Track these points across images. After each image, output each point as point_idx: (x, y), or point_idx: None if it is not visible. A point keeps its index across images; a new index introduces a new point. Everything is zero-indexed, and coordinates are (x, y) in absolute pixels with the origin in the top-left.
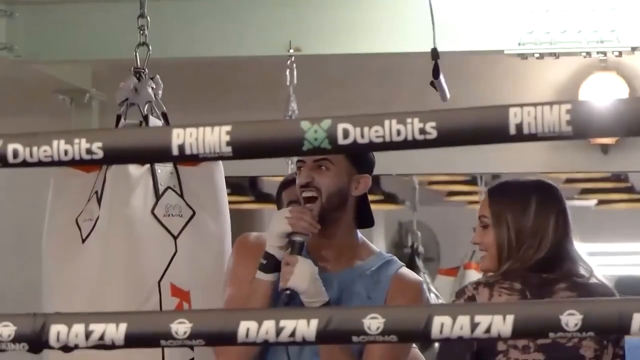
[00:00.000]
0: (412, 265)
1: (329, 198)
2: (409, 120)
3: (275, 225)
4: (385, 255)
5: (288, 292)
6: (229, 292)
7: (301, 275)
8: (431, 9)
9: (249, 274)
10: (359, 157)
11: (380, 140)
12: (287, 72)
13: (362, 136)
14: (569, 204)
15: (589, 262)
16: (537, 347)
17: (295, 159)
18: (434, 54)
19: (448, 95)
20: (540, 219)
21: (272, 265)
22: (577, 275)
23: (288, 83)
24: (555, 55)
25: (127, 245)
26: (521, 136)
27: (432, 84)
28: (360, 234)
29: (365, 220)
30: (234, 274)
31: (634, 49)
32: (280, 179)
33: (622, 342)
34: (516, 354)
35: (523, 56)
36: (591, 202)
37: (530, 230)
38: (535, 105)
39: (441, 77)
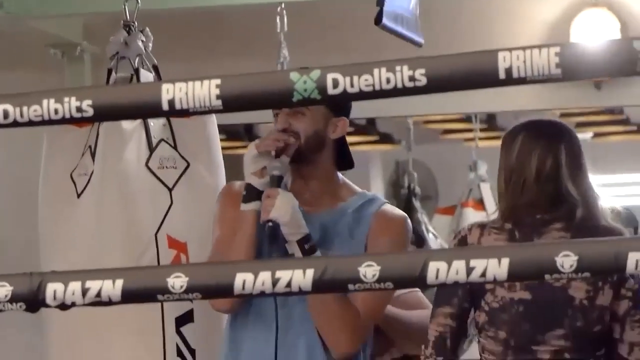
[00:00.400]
0: (409, 206)
1: (306, 141)
2: (397, 68)
3: (247, 152)
4: (368, 195)
5: (270, 224)
6: (216, 234)
7: (282, 207)
8: None
9: (234, 216)
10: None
11: (370, 89)
12: (278, 19)
13: (352, 85)
14: None
15: (601, 204)
16: (523, 286)
17: None
18: (379, 0)
19: (421, 40)
20: (521, 159)
21: (253, 194)
22: (576, 216)
23: (279, 30)
24: None
25: (122, 199)
26: (510, 80)
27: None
28: (341, 175)
29: (345, 162)
30: (220, 218)
31: None
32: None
33: (629, 284)
34: (502, 291)
35: None
36: (587, 135)
37: (515, 167)
38: (524, 48)
39: (404, 23)
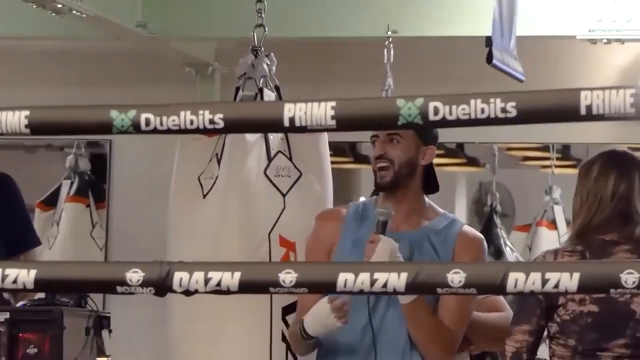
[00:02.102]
0: (490, 222)
1: (400, 167)
2: (492, 100)
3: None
4: (449, 215)
5: None
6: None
7: (382, 252)
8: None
9: (317, 252)
10: (425, 131)
11: (466, 117)
12: (385, 52)
13: (451, 113)
14: None
15: None
16: (592, 300)
17: None
18: (488, 42)
19: (522, 77)
20: (599, 182)
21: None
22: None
23: (385, 61)
24: (621, 41)
25: (242, 201)
26: (590, 116)
27: (494, 66)
28: (426, 197)
29: (431, 186)
30: (308, 250)
31: None
32: None
33: None
34: (574, 305)
35: (592, 41)
36: None
37: (591, 190)
38: (603, 89)
39: (507, 62)
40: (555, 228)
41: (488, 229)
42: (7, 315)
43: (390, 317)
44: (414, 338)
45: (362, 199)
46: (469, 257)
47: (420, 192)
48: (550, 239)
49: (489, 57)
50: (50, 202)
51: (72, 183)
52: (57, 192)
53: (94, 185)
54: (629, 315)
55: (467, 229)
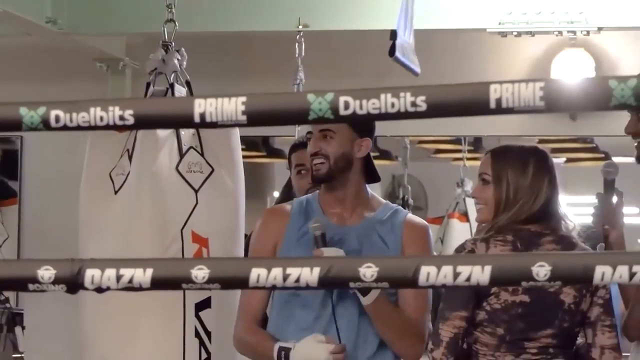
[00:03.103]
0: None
1: (335, 162)
2: (402, 94)
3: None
4: (391, 205)
5: None
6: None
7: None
8: None
9: (262, 249)
10: (360, 123)
11: (376, 111)
12: (296, 46)
13: (361, 108)
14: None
15: (571, 220)
16: (524, 290)
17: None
18: (392, 35)
19: (418, 70)
20: (536, 179)
21: None
22: (561, 230)
23: (297, 55)
24: (531, 33)
25: (154, 197)
26: (500, 109)
27: (395, 60)
28: (369, 188)
29: (371, 176)
30: (258, 247)
31: (599, 29)
32: (288, 138)
33: (601, 293)
34: (506, 295)
35: (503, 34)
36: (561, 160)
37: (527, 188)
38: (512, 82)
39: (407, 55)
40: (467, 220)
41: None
42: None
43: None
44: (384, 337)
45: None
46: (418, 245)
47: (362, 184)
48: (462, 231)
49: (392, 51)
50: None
51: None
52: None
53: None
54: (558, 305)
55: (412, 217)
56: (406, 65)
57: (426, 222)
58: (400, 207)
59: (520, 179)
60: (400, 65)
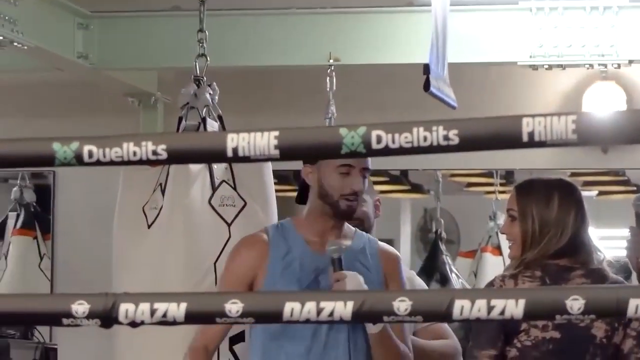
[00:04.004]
0: (435, 248)
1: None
2: (434, 128)
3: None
4: (360, 232)
5: None
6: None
7: (354, 286)
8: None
9: (240, 280)
10: None
11: (409, 145)
12: (328, 80)
13: (393, 142)
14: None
15: (602, 252)
16: (554, 326)
17: None
18: (426, 69)
19: (455, 104)
20: (562, 212)
21: None
22: (591, 263)
23: (328, 89)
24: (562, 66)
25: (187, 231)
26: (532, 143)
27: (431, 94)
28: None
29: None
30: (225, 280)
31: (630, 62)
32: None
33: (634, 325)
34: (536, 332)
35: (534, 67)
36: (592, 193)
37: (553, 222)
38: (544, 115)
39: (442, 89)
40: (500, 254)
41: (433, 255)
42: None
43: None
44: None
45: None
46: (396, 273)
47: None
48: (495, 265)
49: (427, 85)
50: None
51: (18, 215)
52: (3, 225)
53: (40, 217)
54: (590, 340)
55: (384, 245)
56: (442, 99)
57: (396, 251)
58: (366, 233)
59: (545, 213)
60: (435, 99)
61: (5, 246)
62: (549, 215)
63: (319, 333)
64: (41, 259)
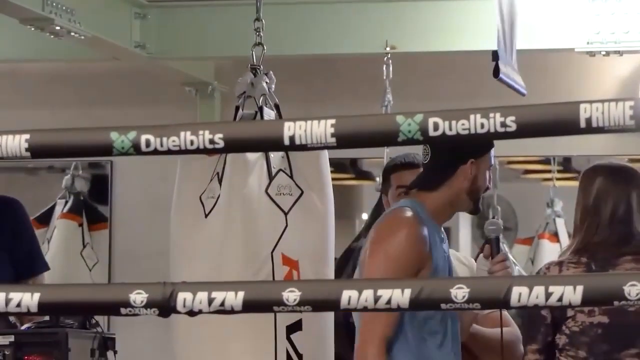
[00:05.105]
0: None
1: None
2: (491, 114)
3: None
4: None
5: None
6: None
7: (511, 264)
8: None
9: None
10: None
11: (466, 132)
12: (384, 67)
13: (450, 129)
14: None
15: None
16: (601, 311)
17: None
18: (494, 56)
19: (524, 91)
20: (599, 200)
21: None
22: None
23: (385, 77)
24: (620, 53)
25: (244, 220)
26: (590, 129)
27: (501, 80)
28: None
29: None
30: (403, 266)
31: None
32: (377, 160)
33: None
34: (582, 317)
35: (591, 54)
36: None
37: (591, 209)
38: (602, 102)
39: (510, 76)
40: (558, 241)
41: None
42: (12, 338)
43: None
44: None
45: (402, 203)
46: None
47: None
48: (552, 252)
49: (496, 71)
50: (44, 220)
51: (66, 202)
52: (51, 210)
53: (89, 206)
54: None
55: None
56: (511, 86)
57: None
58: None
59: (584, 200)
60: (506, 85)
61: (50, 231)
62: (586, 202)
63: (448, 326)
64: (84, 246)
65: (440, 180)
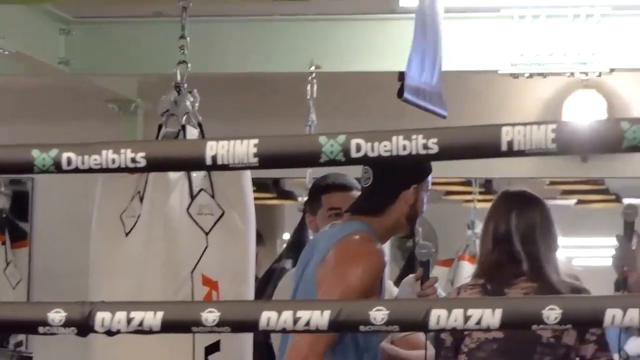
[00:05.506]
0: (413, 256)
1: None
2: (414, 136)
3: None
4: None
5: None
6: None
7: (439, 291)
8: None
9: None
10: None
11: (388, 154)
12: (308, 87)
13: (373, 150)
14: (552, 203)
15: (559, 262)
16: None
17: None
18: (400, 76)
19: (443, 112)
20: (487, 221)
21: None
22: (544, 269)
23: (309, 96)
24: (543, 75)
25: (165, 240)
26: (511, 152)
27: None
28: None
29: None
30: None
31: (612, 70)
32: (299, 180)
33: (593, 329)
34: (479, 333)
35: (515, 75)
36: (571, 201)
37: (483, 232)
38: (524, 124)
39: (430, 98)
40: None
41: (411, 263)
42: None
43: None
44: None
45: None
46: None
47: None
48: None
49: (400, 92)
50: None
51: None
52: None
53: (11, 223)
54: (536, 340)
55: None
56: (423, 107)
57: None
58: None
59: (485, 223)
60: (417, 107)
61: None
62: (484, 227)
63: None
64: (7, 264)
65: (383, 205)
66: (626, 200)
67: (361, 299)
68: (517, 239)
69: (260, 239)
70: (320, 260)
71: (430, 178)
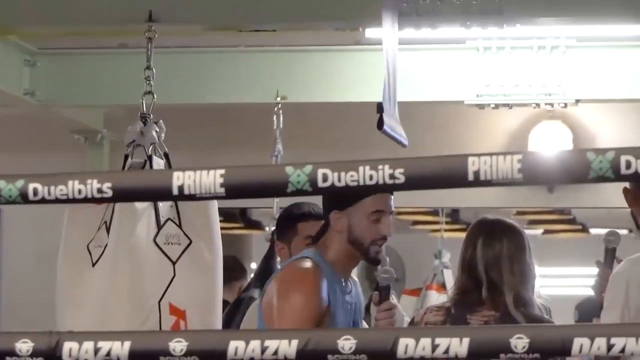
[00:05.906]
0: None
1: None
2: (380, 166)
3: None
4: None
5: None
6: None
7: (400, 318)
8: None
9: (317, 315)
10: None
11: (355, 184)
12: (275, 117)
13: (339, 180)
14: None
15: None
16: None
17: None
18: (379, 108)
19: (406, 142)
20: (462, 249)
21: None
22: (499, 301)
23: (275, 127)
24: (509, 105)
25: (131, 270)
26: (478, 182)
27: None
28: None
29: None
30: (307, 316)
31: (577, 101)
32: (266, 210)
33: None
34: None
35: (481, 106)
36: (538, 231)
37: (460, 261)
38: (490, 155)
39: (394, 128)
40: (445, 291)
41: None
42: None
43: None
44: None
45: (306, 253)
46: None
47: None
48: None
49: (380, 123)
50: None
51: None
52: None
53: None
54: None
55: None
56: (394, 138)
57: None
58: None
59: (461, 253)
60: (388, 137)
61: None
62: (461, 255)
63: None
64: None
65: (320, 233)
66: (593, 231)
67: (309, 321)
68: (481, 266)
69: (243, 272)
70: (264, 291)
71: (390, 201)
